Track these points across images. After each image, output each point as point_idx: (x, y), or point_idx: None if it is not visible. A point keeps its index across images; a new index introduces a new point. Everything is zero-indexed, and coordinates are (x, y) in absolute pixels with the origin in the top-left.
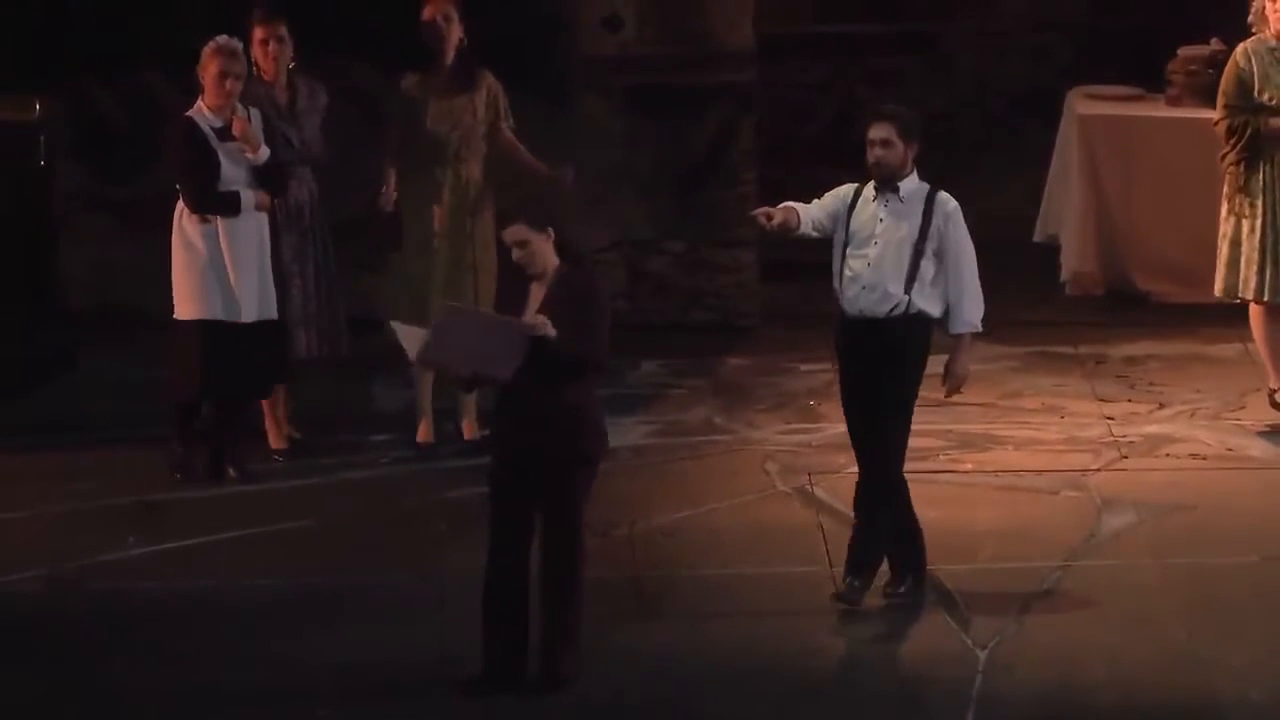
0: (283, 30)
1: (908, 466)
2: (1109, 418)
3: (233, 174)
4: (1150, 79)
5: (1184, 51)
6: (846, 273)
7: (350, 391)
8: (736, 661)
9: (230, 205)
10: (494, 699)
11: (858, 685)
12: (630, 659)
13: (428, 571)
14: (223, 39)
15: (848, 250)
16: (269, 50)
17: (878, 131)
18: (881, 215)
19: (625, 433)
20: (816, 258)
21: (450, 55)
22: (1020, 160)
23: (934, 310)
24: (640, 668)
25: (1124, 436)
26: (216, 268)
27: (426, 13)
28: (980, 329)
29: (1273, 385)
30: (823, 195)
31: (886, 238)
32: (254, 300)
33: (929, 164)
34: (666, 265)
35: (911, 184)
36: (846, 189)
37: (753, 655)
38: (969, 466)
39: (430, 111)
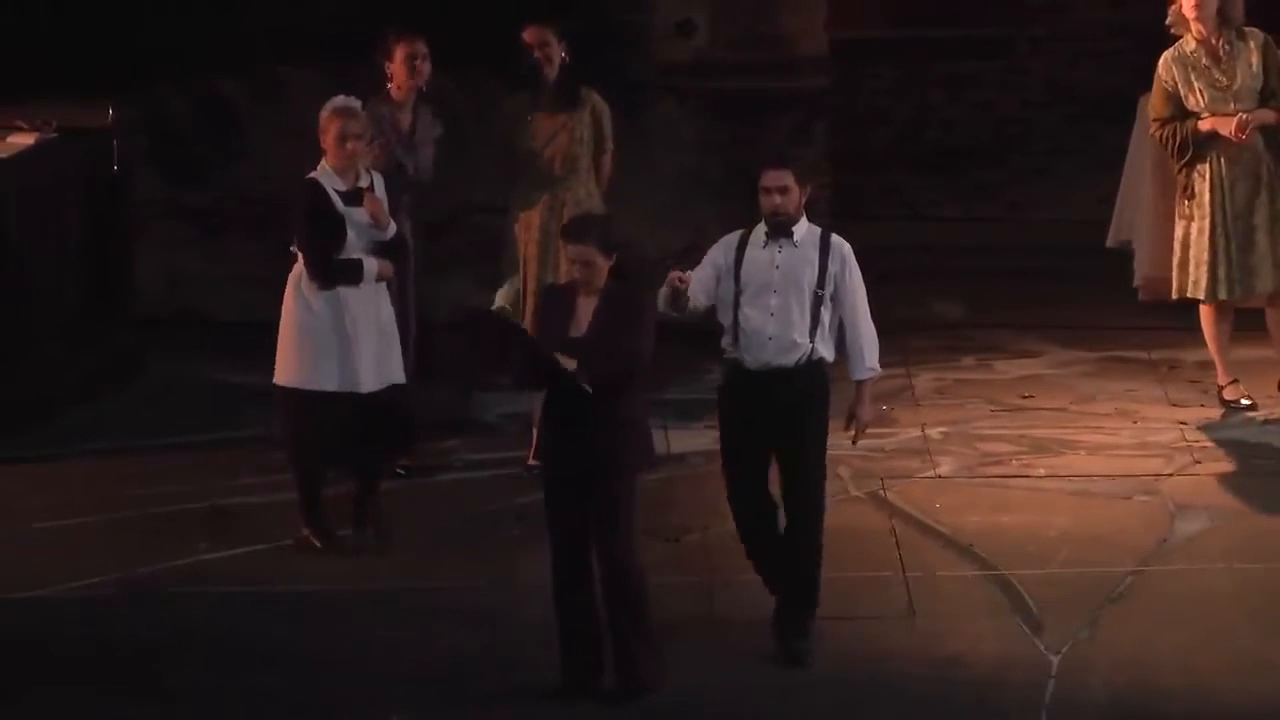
0: (426, 48)
1: (982, 470)
2: (1182, 423)
3: (356, 240)
4: None
5: None
6: (744, 324)
7: (429, 397)
8: (809, 666)
9: (354, 274)
10: (569, 705)
11: (930, 690)
12: (703, 663)
13: (501, 575)
14: (339, 100)
15: (741, 300)
16: (417, 67)
17: (776, 179)
18: (778, 263)
19: (696, 438)
20: (887, 264)
21: (553, 75)
22: (1094, 165)
23: (830, 355)
24: (713, 672)
25: (1197, 441)
26: (339, 334)
27: (526, 37)
28: (879, 372)
29: (1221, 381)
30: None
31: (786, 286)
32: (372, 369)
33: (1005, 169)
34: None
35: (803, 228)
36: (731, 239)
37: (824, 660)
38: (1042, 471)
39: (530, 131)
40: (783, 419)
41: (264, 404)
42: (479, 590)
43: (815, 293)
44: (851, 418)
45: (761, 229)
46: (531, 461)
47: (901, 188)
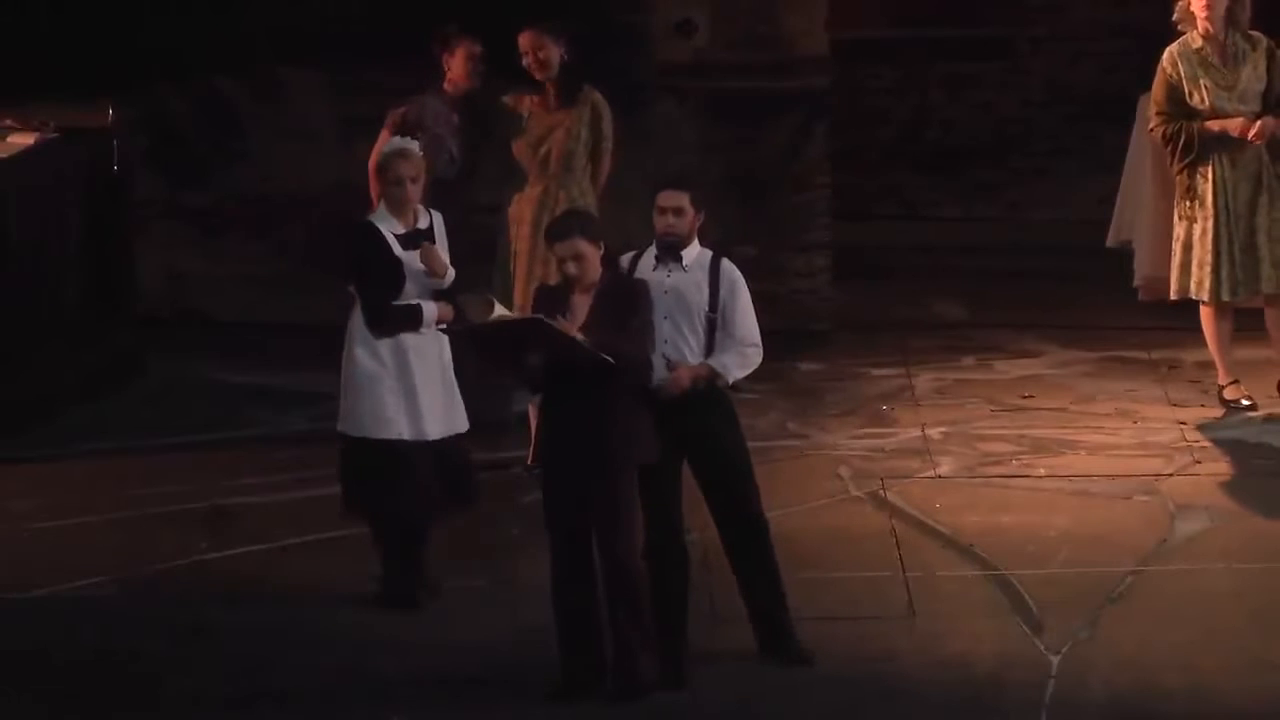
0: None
1: (982, 470)
2: (1182, 422)
3: (414, 285)
4: None
5: None
6: None
7: None
8: (814, 662)
9: (412, 321)
10: (569, 705)
11: (930, 690)
12: (702, 663)
13: (502, 575)
14: (396, 141)
15: None
16: (478, 68)
17: (670, 199)
18: (666, 286)
19: None
20: (887, 264)
21: (549, 76)
22: (1094, 165)
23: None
24: (713, 672)
25: (1197, 441)
26: (404, 379)
27: (520, 42)
28: (725, 380)
29: (1222, 381)
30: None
31: (677, 311)
32: (439, 415)
33: (1005, 169)
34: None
35: (694, 251)
36: (622, 261)
37: (825, 660)
38: (1042, 471)
39: (527, 127)
40: (693, 444)
41: (264, 404)
42: (479, 590)
43: (707, 316)
44: (672, 372)
45: (652, 251)
46: (531, 462)
47: (901, 188)
